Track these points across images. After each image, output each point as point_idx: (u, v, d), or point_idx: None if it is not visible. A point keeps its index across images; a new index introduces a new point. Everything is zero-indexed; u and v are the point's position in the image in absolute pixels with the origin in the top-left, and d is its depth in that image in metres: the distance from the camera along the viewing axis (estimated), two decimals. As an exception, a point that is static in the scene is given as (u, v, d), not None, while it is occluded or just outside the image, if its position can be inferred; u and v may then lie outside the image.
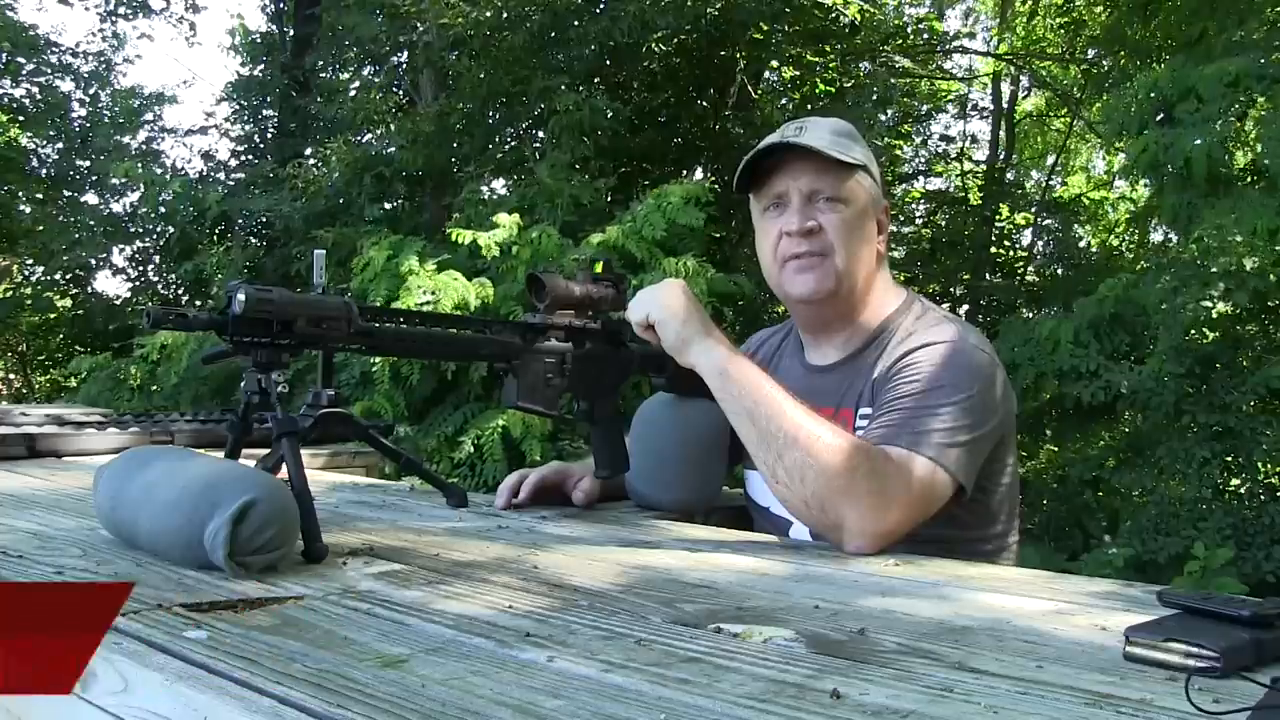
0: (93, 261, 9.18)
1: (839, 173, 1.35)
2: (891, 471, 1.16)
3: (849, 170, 1.35)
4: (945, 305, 9.11)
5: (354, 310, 1.10)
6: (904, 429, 1.21)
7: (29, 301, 9.58)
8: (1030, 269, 9.10)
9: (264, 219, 8.13)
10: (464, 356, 1.45)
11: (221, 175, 9.67)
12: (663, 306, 1.26)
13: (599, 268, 1.35)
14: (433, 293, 5.05)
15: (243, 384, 1.09)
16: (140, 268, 9.47)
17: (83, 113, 10.83)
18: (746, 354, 1.58)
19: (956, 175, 10.22)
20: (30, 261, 9.77)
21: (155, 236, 8.77)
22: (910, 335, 1.35)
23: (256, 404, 1.08)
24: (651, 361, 1.44)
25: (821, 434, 1.15)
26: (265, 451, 1.17)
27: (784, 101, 8.91)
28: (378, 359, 5.22)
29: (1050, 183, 10.50)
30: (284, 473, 1.08)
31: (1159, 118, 4.87)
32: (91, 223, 9.41)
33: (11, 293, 9.72)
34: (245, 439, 1.16)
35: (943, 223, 9.75)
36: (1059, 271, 8.93)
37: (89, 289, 9.78)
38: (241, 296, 1.01)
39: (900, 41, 8.89)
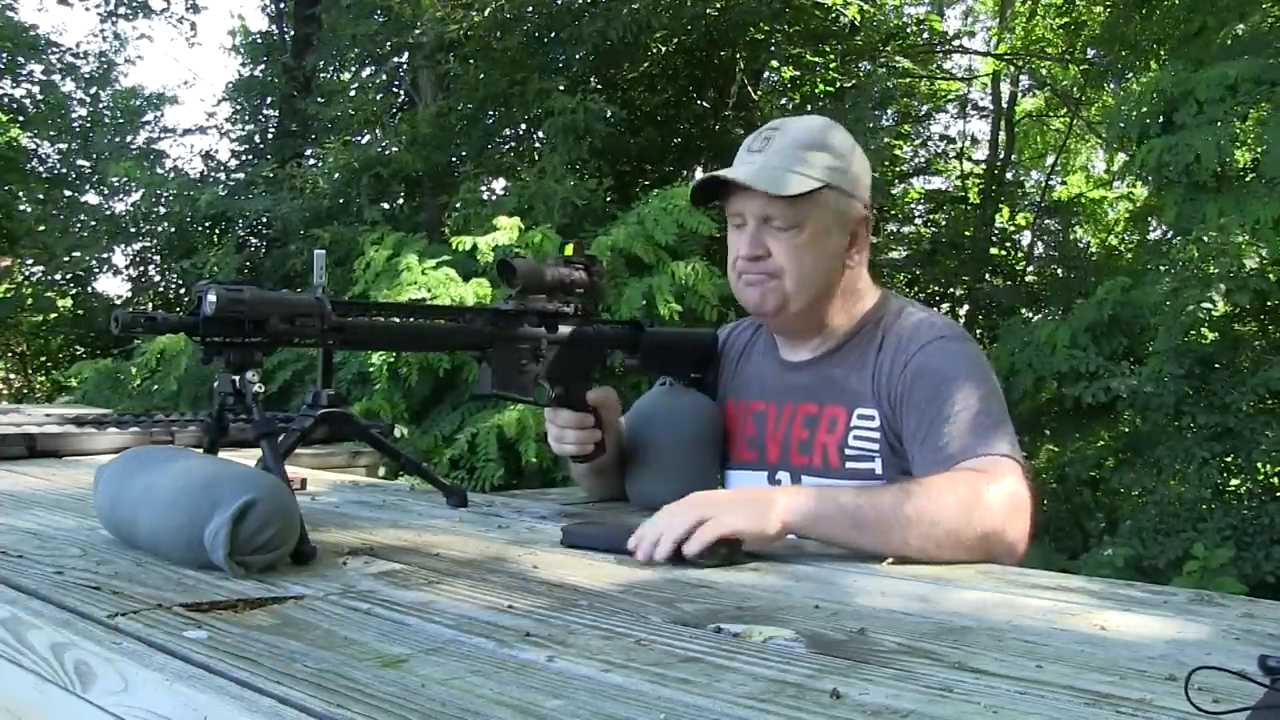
0: (93, 262, 9.18)
1: (790, 200, 1.31)
2: (992, 485, 1.14)
3: (804, 194, 1.32)
4: (945, 306, 9.11)
5: (327, 306, 1.09)
6: (970, 438, 1.21)
7: (29, 301, 9.57)
8: (1030, 269, 9.10)
9: (264, 219, 8.13)
10: (438, 346, 1.44)
11: (222, 175, 9.67)
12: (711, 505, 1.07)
13: (570, 250, 1.33)
14: (428, 289, 5.06)
15: (216, 384, 1.08)
16: (140, 268, 9.47)
17: (83, 113, 10.83)
18: (717, 347, 1.58)
19: (956, 175, 10.22)
20: (31, 261, 9.77)
21: (155, 237, 8.76)
22: (903, 336, 1.34)
23: (231, 404, 1.08)
24: (624, 342, 1.43)
25: (921, 506, 1.09)
26: (242, 451, 1.17)
27: (784, 101, 8.90)
28: (375, 359, 5.22)
29: (1050, 183, 10.50)
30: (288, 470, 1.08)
31: (1160, 122, 4.88)
32: (92, 222, 9.41)
33: (12, 293, 9.70)
34: (221, 439, 1.16)
35: (943, 223, 9.75)
36: (1058, 272, 8.94)
37: (89, 289, 9.78)
38: (212, 297, 1.00)
39: (900, 41, 8.88)
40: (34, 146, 10.29)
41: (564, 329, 1.34)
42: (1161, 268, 4.98)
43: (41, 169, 10.39)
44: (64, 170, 10.34)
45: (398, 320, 1.23)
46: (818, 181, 1.31)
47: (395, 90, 8.75)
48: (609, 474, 1.52)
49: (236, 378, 1.06)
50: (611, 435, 1.45)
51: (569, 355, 1.35)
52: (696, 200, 1.44)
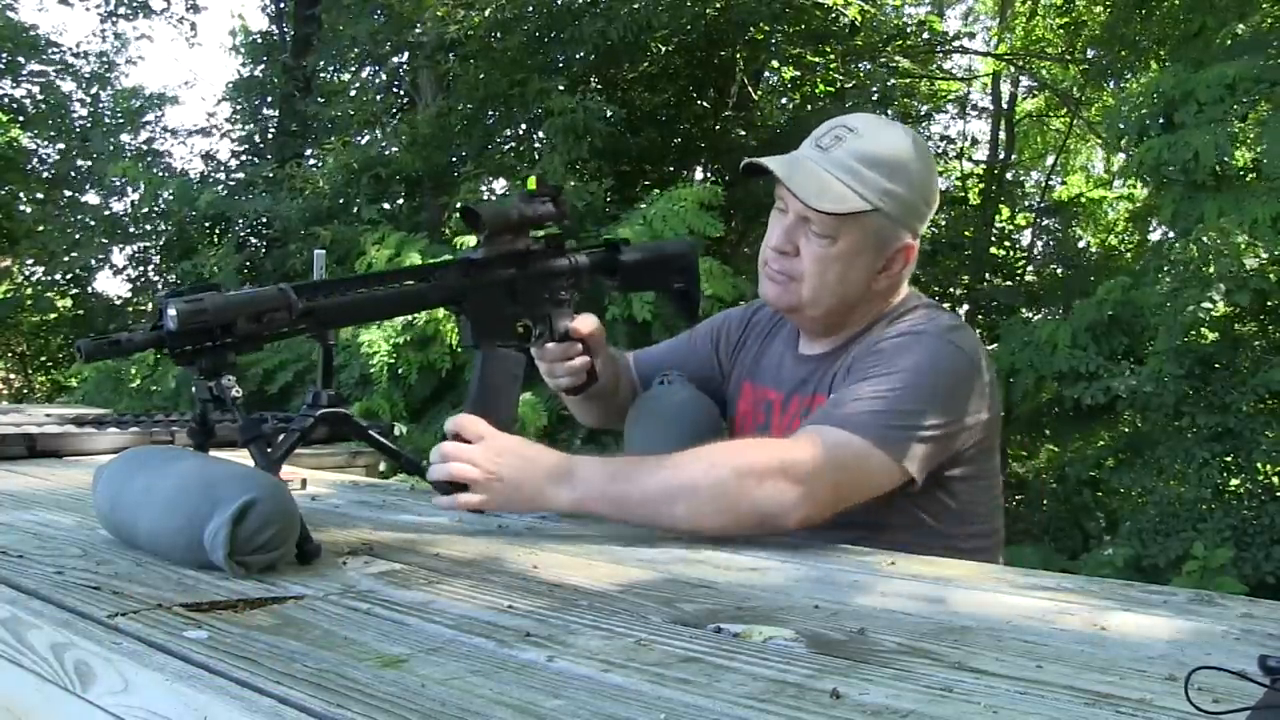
0: (93, 262, 9.18)
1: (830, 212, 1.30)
2: (772, 451, 1.17)
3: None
4: (945, 306, 9.09)
5: (292, 296, 1.07)
6: (843, 409, 1.20)
7: (29, 302, 9.57)
8: (1030, 269, 9.11)
9: (263, 219, 8.14)
10: (413, 308, 1.39)
11: (222, 175, 9.67)
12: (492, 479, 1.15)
13: (532, 184, 1.30)
14: None
15: (194, 390, 1.07)
16: (140, 268, 9.47)
17: (84, 113, 10.83)
18: (744, 319, 1.57)
19: (956, 176, 10.22)
20: (31, 262, 9.77)
21: (155, 236, 8.77)
22: (889, 328, 1.33)
23: (213, 409, 1.07)
24: (601, 267, 1.42)
25: (684, 477, 1.14)
26: (234, 451, 1.16)
27: (784, 101, 8.90)
28: (376, 360, 5.22)
29: (1050, 183, 10.50)
30: (284, 472, 1.08)
31: (1160, 122, 4.89)
32: (92, 222, 9.40)
33: (12, 293, 9.70)
34: (209, 441, 1.16)
35: (943, 223, 9.75)
36: (1059, 272, 8.94)
37: (89, 289, 9.78)
38: (173, 312, 0.98)
39: (900, 42, 8.88)
40: (34, 147, 10.29)
41: (538, 265, 1.32)
42: (1163, 268, 4.98)
43: (42, 169, 10.38)
44: (64, 170, 10.33)
45: (366, 290, 1.19)
46: (865, 204, 1.27)
47: (395, 90, 8.75)
48: (606, 399, 1.52)
49: (212, 384, 1.05)
50: (601, 360, 1.44)
51: (546, 290, 1.33)
52: (745, 172, 1.39)
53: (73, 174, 10.32)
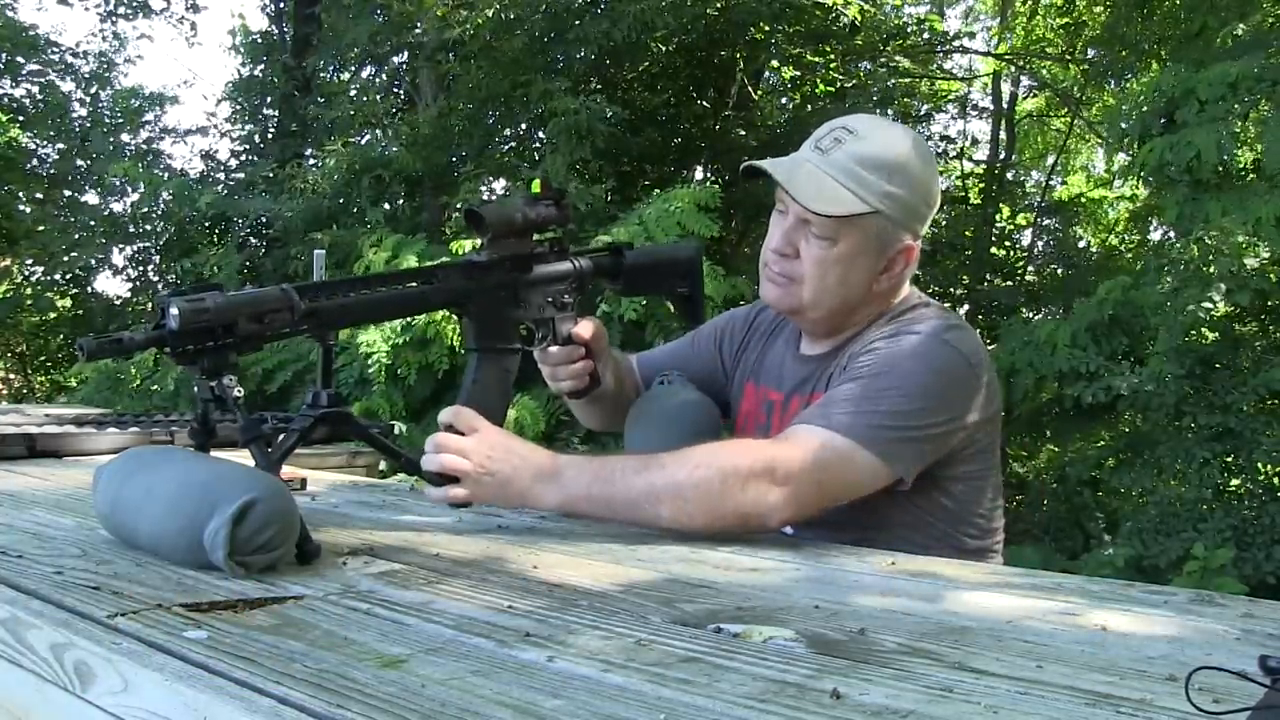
0: (93, 262, 9.18)
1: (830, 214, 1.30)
2: (757, 452, 1.17)
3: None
4: (946, 306, 9.09)
5: (294, 296, 1.07)
6: (830, 409, 1.21)
7: (29, 302, 9.57)
8: (1030, 269, 9.11)
9: (263, 219, 8.14)
10: (415, 310, 1.38)
11: (221, 175, 9.67)
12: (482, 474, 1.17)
13: (536, 187, 1.29)
14: None
15: (195, 390, 1.07)
16: (140, 268, 9.47)
17: (83, 113, 10.83)
18: (748, 320, 1.57)
19: (957, 175, 10.22)
20: (30, 262, 9.76)
21: (155, 236, 8.76)
22: (886, 327, 1.32)
23: (214, 408, 1.07)
24: (605, 271, 1.42)
25: (671, 480, 1.15)
26: (235, 451, 1.16)
27: (784, 101, 8.90)
28: (374, 360, 5.22)
29: (1050, 183, 10.50)
30: (284, 472, 1.08)
31: (1161, 122, 4.89)
32: (92, 222, 9.41)
33: (11, 293, 9.70)
34: (211, 441, 1.16)
35: (943, 223, 9.74)
36: (1059, 271, 8.94)
37: (89, 289, 9.77)
38: (175, 311, 0.98)
39: (900, 42, 8.88)
40: (34, 146, 10.28)
41: (541, 269, 1.31)
42: (1164, 268, 4.98)
43: (41, 169, 10.38)
44: (64, 170, 10.33)
45: (368, 292, 1.18)
46: (865, 206, 1.27)
47: (395, 90, 8.75)
48: (609, 402, 1.52)
49: (213, 384, 1.05)
50: (604, 363, 1.44)
51: (549, 294, 1.33)
52: (745, 174, 1.39)
53: (72, 174, 10.32)
